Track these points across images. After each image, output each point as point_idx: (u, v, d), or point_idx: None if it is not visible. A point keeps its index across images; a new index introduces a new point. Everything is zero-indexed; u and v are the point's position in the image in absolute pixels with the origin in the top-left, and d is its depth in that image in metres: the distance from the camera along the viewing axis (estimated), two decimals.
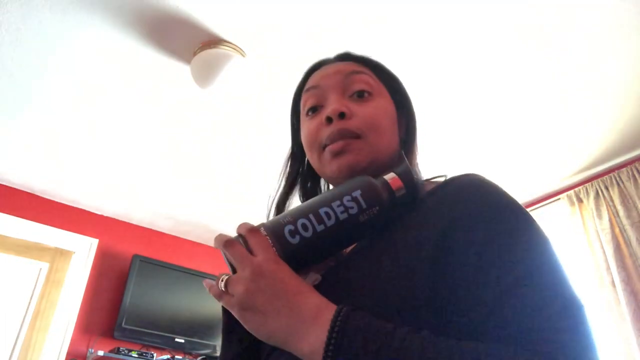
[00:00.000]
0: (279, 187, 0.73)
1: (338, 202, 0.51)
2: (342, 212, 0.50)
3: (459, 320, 0.45)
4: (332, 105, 0.62)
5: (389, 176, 0.54)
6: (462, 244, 0.47)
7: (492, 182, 0.54)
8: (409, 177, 0.54)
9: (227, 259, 0.50)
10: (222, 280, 0.49)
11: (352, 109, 0.62)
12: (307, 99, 0.67)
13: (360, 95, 0.63)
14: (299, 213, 0.51)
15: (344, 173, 0.61)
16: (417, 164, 0.69)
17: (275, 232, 0.50)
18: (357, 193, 0.51)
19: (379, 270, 0.49)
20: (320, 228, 0.50)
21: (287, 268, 0.48)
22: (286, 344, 0.45)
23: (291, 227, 0.50)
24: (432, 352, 0.40)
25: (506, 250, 0.46)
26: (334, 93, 0.64)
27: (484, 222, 0.48)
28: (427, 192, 0.57)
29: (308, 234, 0.49)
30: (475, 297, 0.44)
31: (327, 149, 0.62)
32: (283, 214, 0.53)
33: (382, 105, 0.64)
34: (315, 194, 0.74)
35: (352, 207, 0.50)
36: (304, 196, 0.73)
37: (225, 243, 0.50)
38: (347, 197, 0.51)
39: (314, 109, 0.66)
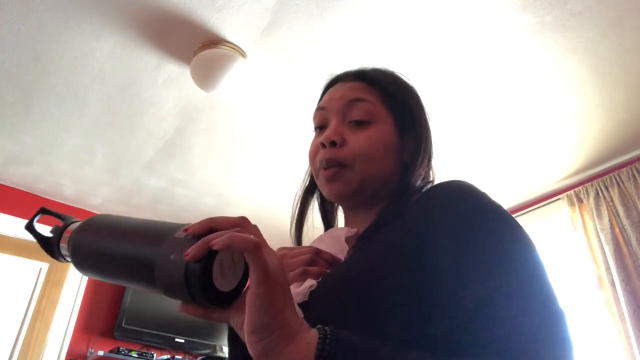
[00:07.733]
0: (303, 184, 0.78)
1: None
2: None
3: (439, 322, 0.46)
4: (328, 132, 0.66)
5: None
6: (441, 250, 0.48)
7: (477, 187, 0.55)
8: None
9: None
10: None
11: (346, 137, 0.65)
12: (315, 117, 0.72)
13: (358, 123, 0.66)
14: None
15: (333, 199, 0.67)
16: (432, 180, 0.70)
17: None
18: None
19: (366, 267, 0.52)
20: None
21: None
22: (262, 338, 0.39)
23: None
24: None
25: (486, 257, 0.47)
26: (335, 117, 0.68)
27: (464, 228, 0.49)
28: (414, 199, 0.59)
29: None
30: (454, 304, 0.45)
31: (321, 172, 0.66)
32: None
33: (377, 134, 0.66)
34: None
35: None
36: (321, 197, 0.78)
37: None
38: None
39: (319, 128, 0.71)
